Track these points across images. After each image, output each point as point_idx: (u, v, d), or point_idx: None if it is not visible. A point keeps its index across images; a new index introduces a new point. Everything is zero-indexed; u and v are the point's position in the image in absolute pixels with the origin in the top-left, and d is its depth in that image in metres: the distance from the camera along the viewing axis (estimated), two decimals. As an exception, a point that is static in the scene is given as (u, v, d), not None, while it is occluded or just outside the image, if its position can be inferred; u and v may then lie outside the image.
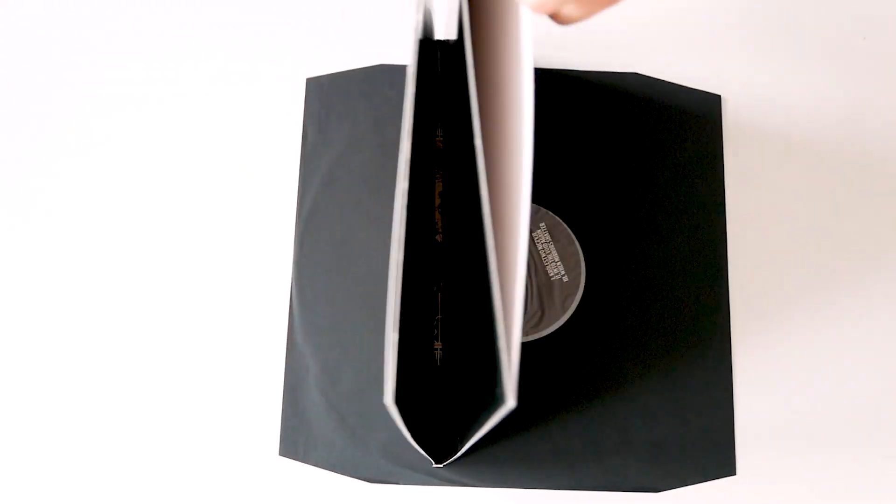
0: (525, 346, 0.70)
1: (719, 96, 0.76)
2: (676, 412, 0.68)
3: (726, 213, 0.73)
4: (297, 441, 0.68)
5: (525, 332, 0.70)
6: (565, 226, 0.72)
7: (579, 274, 0.71)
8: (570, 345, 0.69)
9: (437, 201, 0.72)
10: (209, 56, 0.76)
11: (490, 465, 0.67)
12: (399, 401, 0.43)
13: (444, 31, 0.76)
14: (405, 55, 0.76)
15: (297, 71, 0.76)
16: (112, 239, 0.73)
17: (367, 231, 0.71)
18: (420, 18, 0.52)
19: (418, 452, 0.67)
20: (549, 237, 0.72)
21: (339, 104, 0.74)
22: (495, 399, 0.43)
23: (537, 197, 0.73)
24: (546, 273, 0.71)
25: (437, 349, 0.69)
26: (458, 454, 0.62)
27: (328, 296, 0.70)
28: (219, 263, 0.72)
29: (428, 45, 0.58)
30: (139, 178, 0.74)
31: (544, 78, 0.75)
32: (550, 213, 0.72)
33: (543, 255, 0.71)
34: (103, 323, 0.71)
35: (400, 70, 0.75)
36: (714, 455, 0.68)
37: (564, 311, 0.70)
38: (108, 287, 0.72)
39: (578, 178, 0.73)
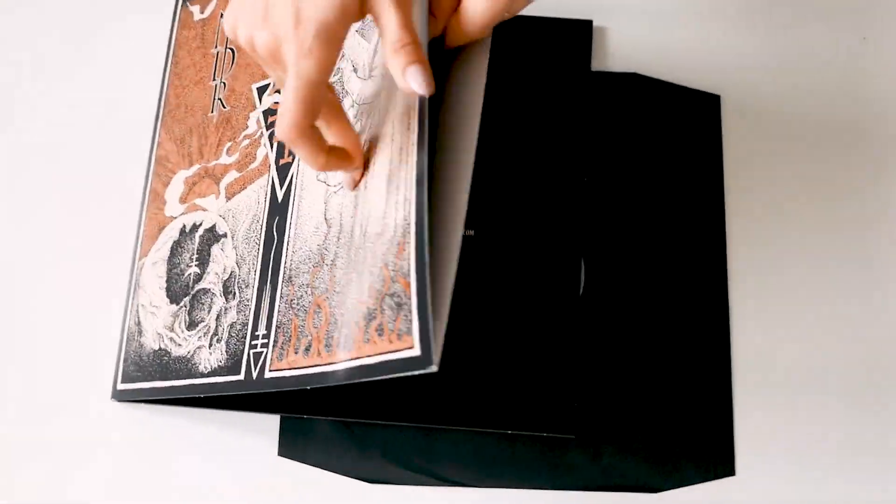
0: None
1: (719, 96, 0.76)
2: (676, 413, 0.68)
3: (725, 213, 0.73)
4: (296, 441, 0.68)
5: None
6: None
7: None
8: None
9: None
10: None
11: (489, 465, 0.67)
12: None
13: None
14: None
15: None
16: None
17: None
18: None
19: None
20: None
21: None
22: None
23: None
24: None
25: None
26: None
27: None
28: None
29: None
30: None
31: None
32: None
33: None
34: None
35: None
36: (714, 455, 0.68)
37: None
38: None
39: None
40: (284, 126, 0.48)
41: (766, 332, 0.70)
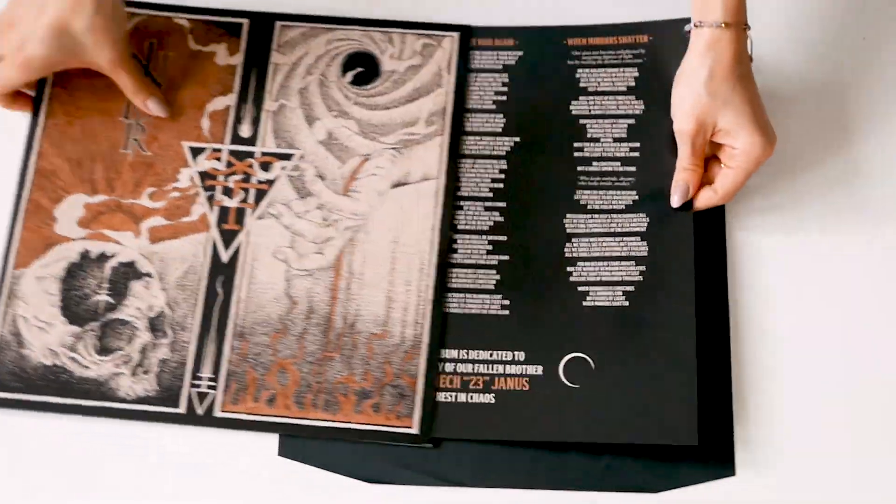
0: None
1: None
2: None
3: (725, 212, 0.73)
4: (295, 441, 0.68)
5: None
6: None
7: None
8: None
9: None
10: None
11: (489, 465, 0.68)
12: None
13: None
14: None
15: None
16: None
17: None
18: None
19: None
20: None
21: None
22: None
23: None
24: None
25: None
26: None
27: None
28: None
29: None
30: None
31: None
32: None
33: None
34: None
35: None
36: (714, 455, 0.68)
37: None
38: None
39: None
40: None
41: (766, 332, 0.70)
